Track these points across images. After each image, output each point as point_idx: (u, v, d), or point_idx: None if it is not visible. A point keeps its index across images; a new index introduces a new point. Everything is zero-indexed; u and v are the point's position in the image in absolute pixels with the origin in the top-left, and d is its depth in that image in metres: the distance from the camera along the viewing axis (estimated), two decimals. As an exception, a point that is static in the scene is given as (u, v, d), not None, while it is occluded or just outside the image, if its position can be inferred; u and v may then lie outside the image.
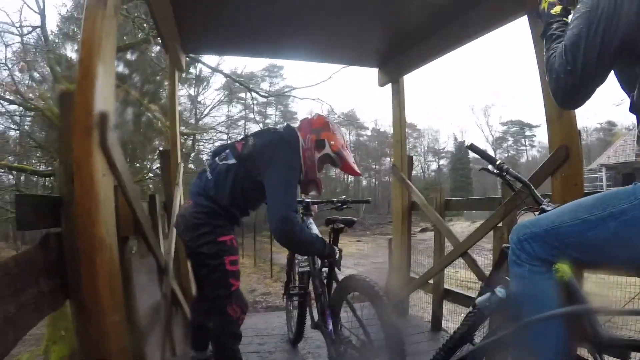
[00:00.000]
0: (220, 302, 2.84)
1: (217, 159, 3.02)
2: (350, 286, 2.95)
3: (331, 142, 2.95)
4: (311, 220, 3.69)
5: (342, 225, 3.30)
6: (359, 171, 3.14)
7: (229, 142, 3.21)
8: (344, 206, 3.81)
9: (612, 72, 1.61)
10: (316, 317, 3.51)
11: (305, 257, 3.63)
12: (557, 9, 1.79)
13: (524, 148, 56.81)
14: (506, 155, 56.19)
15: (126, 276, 2.38)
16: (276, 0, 3.75)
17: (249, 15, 4.07)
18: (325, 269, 3.30)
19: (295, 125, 3.12)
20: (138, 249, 2.99)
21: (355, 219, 3.54)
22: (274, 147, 2.85)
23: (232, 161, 2.89)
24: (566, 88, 1.59)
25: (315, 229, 3.57)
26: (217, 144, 28.34)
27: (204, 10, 3.95)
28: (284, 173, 2.76)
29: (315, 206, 3.74)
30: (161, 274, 3.45)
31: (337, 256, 3.05)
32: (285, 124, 3.15)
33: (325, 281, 3.30)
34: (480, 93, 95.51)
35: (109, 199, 2.11)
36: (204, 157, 28.81)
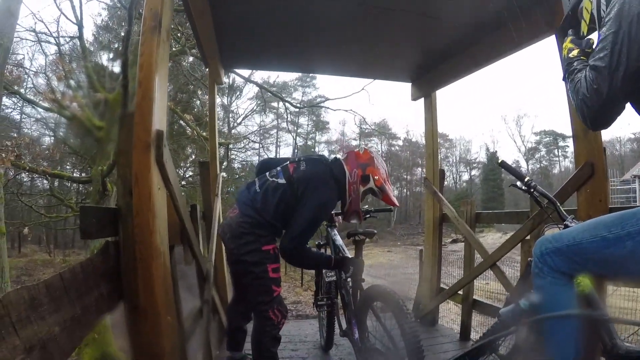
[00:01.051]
0: (262, 307, 2.99)
1: (267, 174, 3.18)
2: (373, 296, 3.07)
3: (375, 177, 3.13)
4: (335, 232, 3.83)
5: (362, 237, 3.42)
6: (397, 203, 3.32)
7: (278, 156, 3.39)
8: (368, 215, 3.88)
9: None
10: (344, 325, 3.65)
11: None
12: (575, 52, 1.86)
13: (557, 159, 55.55)
14: (539, 166, 55.02)
15: (174, 281, 2.56)
16: (311, 18, 3.92)
17: (284, 32, 4.26)
18: (349, 279, 3.42)
19: (343, 157, 3.29)
20: (184, 257, 3.16)
21: (375, 230, 3.66)
22: (320, 181, 3.04)
23: (282, 181, 3.06)
24: (594, 108, 1.62)
25: (339, 240, 3.72)
26: (249, 152, 28.54)
27: (242, 29, 4.17)
28: (315, 211, 2.98)
29: (339, 217, 3.82)
30: (203, 280, 3.63)
31: (350, 269, 3.27)
32: (333, 157, 3.32)
33: (350, 290, 3.42)
34: (513, 102, 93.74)
35: (163, 211, 2.30)
36: (236, 165, 29.15)
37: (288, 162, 3.23)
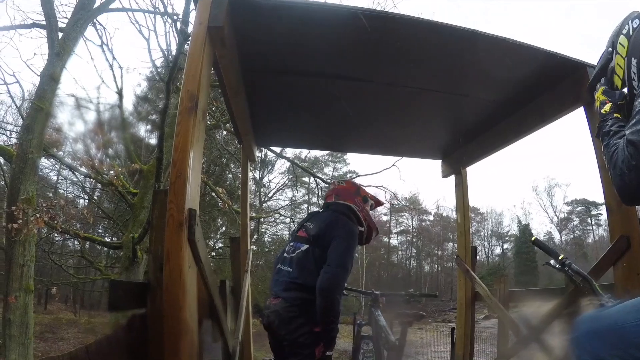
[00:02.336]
0: None
1: (284, 255, 3.27)
2: None
3: (369, 195, 3.54)
4: (379, 312, 3.79)
5: (410, 319, 3.41)
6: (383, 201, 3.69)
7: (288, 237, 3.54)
8: (412, 299, 3.88)
9: None
10: None
11: (371, 347, 3.72)
12: (607, 107, 1.85)
13: (590, 228, 54.10)
14: (572, 236, 53.45)
15: (200, 357, 2.54)
16: (341, 99, 4.01)
17: (315, 112, 4.41)
18: None
19: (335, 199, 3.51)
20: (211, 332, 3.15)
21: (424, 313, 3.63)
22: (336, 221, 3.24)
23: (305, 247, 3.15)
24: (632, 184, 1.57)
25: (382, 320, 3.68)
26: (280, 226, 28.68)
27: (275, 108, 4.35)
28: (348, 240, 3.14)
29: (383, 298, 3.84)
30: (228, 357, 3.57)
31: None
32: (326, 204, 3.57)
33: None
34: (543, 170, 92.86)
35: (193, 288, 2.31)
36: (266, 239, 29.22)
37: (295, 234, 3.39)
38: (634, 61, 1.72)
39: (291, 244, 3.29)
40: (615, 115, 1.81)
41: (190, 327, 2.22)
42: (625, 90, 1.87)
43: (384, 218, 52.40)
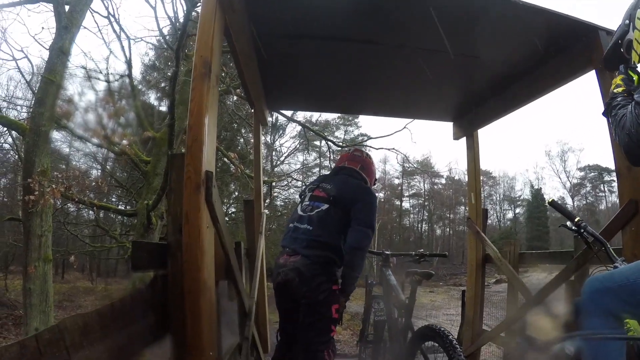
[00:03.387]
0: (320, 347, 3.06)
1: (301, 213, 3.33)
2: (426, 335, 3.11)
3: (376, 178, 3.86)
4: (390, 272, 3.88)
5: (419, 278, 3.47)
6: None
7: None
8: (422, 259, 3.93)
9: None
10: None
11: (382, 306, 3.80)
12: (621, 89, 1.88)
13: (603, 194, 53.67)
14: (585, 202, 53.14)
15: (217, 316, 2.64)
16: (351, 61, 4.06)
17: (326, 75, 4.41)
18: (401, 319, 3.49)
19: (359, 167, 3.65)
20: (228, 292, 3.24)
21: (433, 272, 3.69)
22: (359, 185, 3.41)
23: (325, 206, 3.24)
24: (639, 143, 1.63)
25: (393, 280, 3.78)
26: (292, 190, 28.77)
27: (286, 71, 4.37)
28: (374, 203, 3.33)
29: (394, 258, 3.92)
30: (244, 316, 3.68)
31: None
32: (350, 168, 3.63)
33: (401, 330, 3.46)
34: (557, 135, 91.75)
35: (211, 248, 2.40)
36: (279, 203, 29.36)
37: (311, 193, 3.43)
38: None
39: (307, 202, 3.35)
40: (625, 94, 1.85)
41: (209, 285, 2.32)
42: None
43: (396, 181, 52.46)
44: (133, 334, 1.89)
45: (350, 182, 3.42)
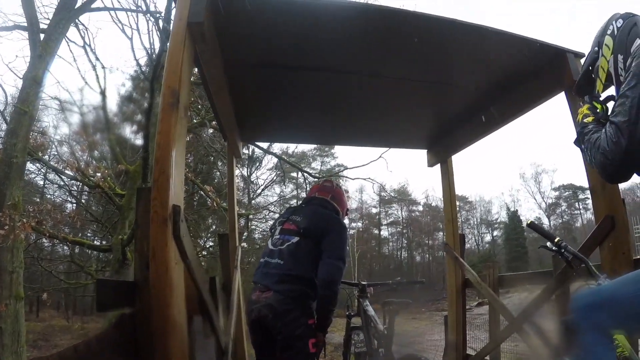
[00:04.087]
0: None
1: (271, 247, 3.31)
2: None
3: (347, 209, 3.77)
4: (367, 302, 3.82)
5: (396, 307, 3.46)
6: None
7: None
8: (399, 287, 3.89)
9: None
10: None
11: (362, 338, 3.74)
12: (590, 119, 1.95)
13: (578, 212, 54.54)
14: (561, 221, 53.89)
15: (191, 355, 2.54)
16: (325, 92, 4.05)
17: (300, 106, 4.42)
18: (382, 350, 3.41)
19: (329, 197, 3.63)
20: (202, 329, 3.14)
21: (410, 301, 3.66)
22: (329, 215, 3.35)
23: (295, 239, 3.19)
24: (614, 161, 1.66)
25: (371, 311, 3.71)
26: (269, 223, 28.62)
27: (259, 103, 4.35)
28: (343, 234, 3.25)
29: (371, 288, 3.89)
30: (221, 354, 3.57)
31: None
32: (321, 197, 3.63)
33: None
34: (530, 157, 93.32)
35: (180, 284, 2.31)
36: (257, 235, 29.13)
37: (281, 227, 3.41)
38: (620, 57, 1.85)
39: (277, 236, 3.32)
40: (595, 124, 1.92)
41: (179, 323, 2.22)
42: (608, 92, 2.02)
43: (374, 210, 52.62)
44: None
45: (320, 212, 3.40)
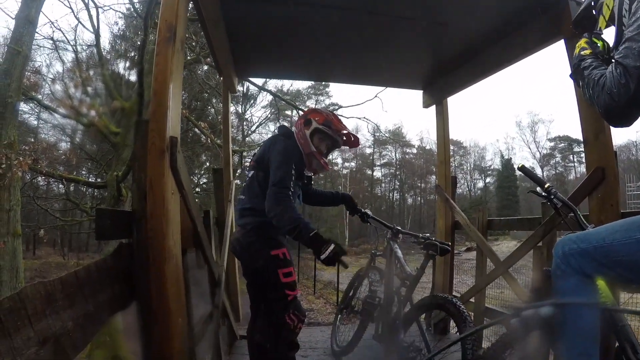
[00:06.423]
0: (278, 313, 3.00)
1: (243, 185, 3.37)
2: (432, 305, 3.30)
3: (316, 119, 3.27)
4: (397, 245, 3.88)
5: (434, 254, 3.47)
6: (346, 132, 3.41)
7: None
8: (426, 241, 3.82)
9: None
10: (380, 331, 3.74)
11: (379, 277, 3.97)
12: (587, 52, 1.88)
13: (572, 165, 54.60)
14: (554, 172, 54.06)
15: (185, 285, 2.62)
16: (322, 27, 4.00)
17: (296, 42, 4.36)
18: (403, 289, 3.56)
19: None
20: (196, 261, 3.22)
21: (449, 247, 3.69)
22: (272, 142, 3.19)
23: (251, 173, 3.20)
24: (620, 102, 1.61)
25: (399, 252, 3.81)
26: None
27: (256, 38, 4.29)
28: (281, 156, 3.01)
29: (402, 235, 3.93)
30: (214, 285, 3.68)
31: (327, 250, 2.86)
32: (282, 125, 3.60)
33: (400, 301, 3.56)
34: (527, 106, 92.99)
35: (176, 215, 2.37)
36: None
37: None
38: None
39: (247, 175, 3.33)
40: (595, 57, 1.84)
41: (174, 253, 2.29)
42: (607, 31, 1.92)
43: (368, 150, 52.66)
44: (99, 302, 1.86)
45: (268, 141, 3.34)
